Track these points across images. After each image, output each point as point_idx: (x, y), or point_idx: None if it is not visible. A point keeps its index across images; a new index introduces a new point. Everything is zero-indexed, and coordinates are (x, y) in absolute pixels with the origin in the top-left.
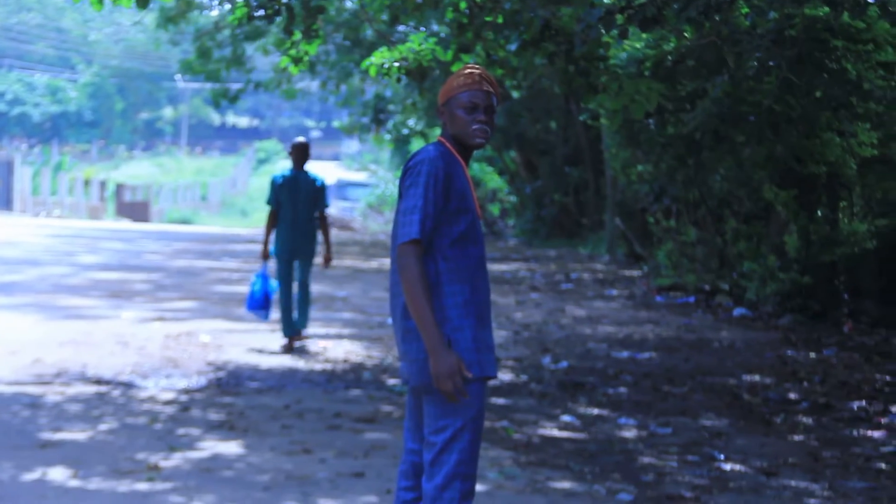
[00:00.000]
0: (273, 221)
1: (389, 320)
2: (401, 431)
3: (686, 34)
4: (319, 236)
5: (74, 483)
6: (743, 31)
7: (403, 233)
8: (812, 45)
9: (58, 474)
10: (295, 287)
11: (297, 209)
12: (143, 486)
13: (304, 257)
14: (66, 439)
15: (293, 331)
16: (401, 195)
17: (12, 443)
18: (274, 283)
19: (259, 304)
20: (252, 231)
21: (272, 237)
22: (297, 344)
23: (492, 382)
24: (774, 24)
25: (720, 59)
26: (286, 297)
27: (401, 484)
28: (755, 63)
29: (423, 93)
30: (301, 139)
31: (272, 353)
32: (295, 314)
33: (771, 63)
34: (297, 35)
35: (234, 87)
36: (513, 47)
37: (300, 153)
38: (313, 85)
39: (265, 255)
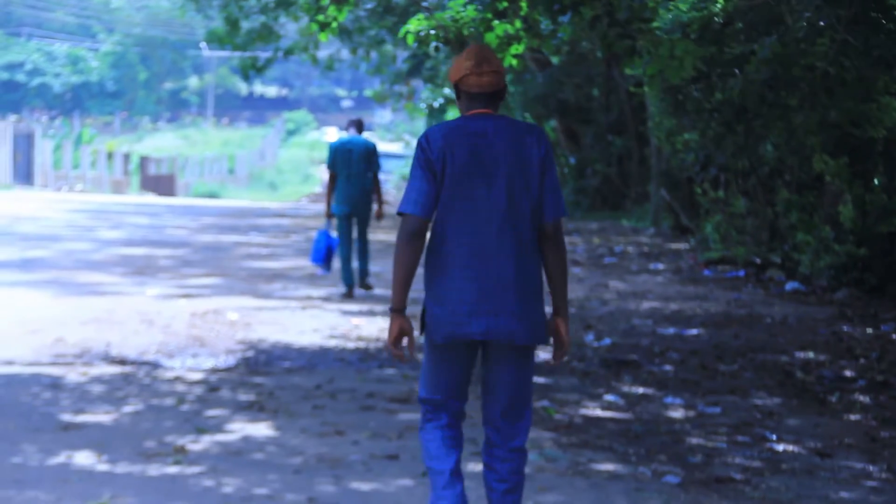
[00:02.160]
0: (333, 183)
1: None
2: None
3: None
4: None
5: (100, 467)
6: None
7: (565, 209)
8: (868, 3)
9: (82, 458)
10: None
11: (352, 170)
12: (170, 470)
13: (361, 213)
14: (90, 421)
15: (352, 279)
16: (546, 169)
17: (34, 426)
18: (335, 236)
19: (321, 257)
20: (281, 205)
21: (333, 197)
22: (361, 292)
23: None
24: None
25: (772, 19)
26: (346, 250)
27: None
28: (805, 23)
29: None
30: (357, 117)
31: (301, 331)
32: (356, 264)
33: (823, 23)
34: (325, 1)
35: (263, 56)
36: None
37: (357, 125)
38: (344, 53)
39: (328, 214)
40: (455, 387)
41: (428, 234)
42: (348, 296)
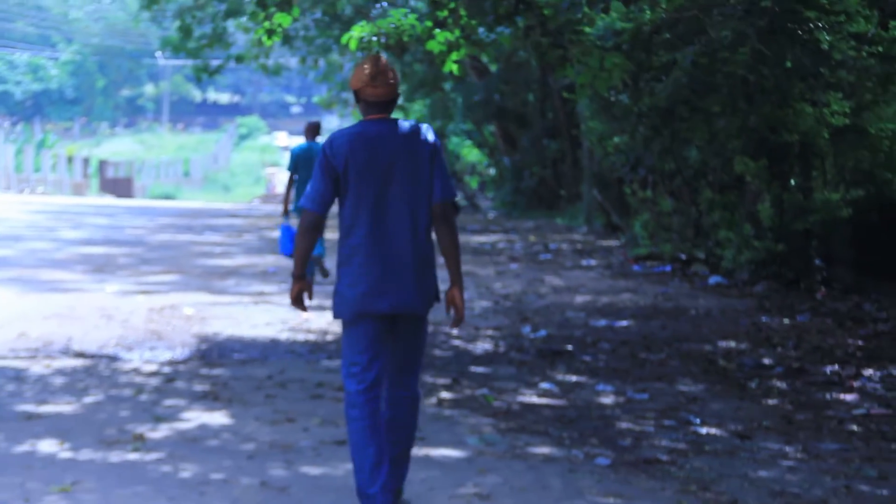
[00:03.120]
0: (291, 184)
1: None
2: None
3: (663, 5)
4: None
5: (62, 454)
6: (716, 2)
7: (453, 192)
8: (785, 15)
9: (45, 445)
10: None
11: (311, 173)
12: (130, 457)
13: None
14: (52, 412)
15: (313, 268)
16: (435, 160)
17: None
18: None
19: (290, 250)
20: (234, 206)
21: (292, 196)
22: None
23: (472, 350)
24: None
25: (696, 30)
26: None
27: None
28: (727, 33)
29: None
30: (314, 119)
31: (254, 325)
32: (316, 251)
33: (742, 33)
34: (271, 7)
35: (215, 62)
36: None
37: (313, 129)
38: (293, 61)
39: (286, 212)
40: (368, 353)
41: (328, 224)
42: (323, 271)
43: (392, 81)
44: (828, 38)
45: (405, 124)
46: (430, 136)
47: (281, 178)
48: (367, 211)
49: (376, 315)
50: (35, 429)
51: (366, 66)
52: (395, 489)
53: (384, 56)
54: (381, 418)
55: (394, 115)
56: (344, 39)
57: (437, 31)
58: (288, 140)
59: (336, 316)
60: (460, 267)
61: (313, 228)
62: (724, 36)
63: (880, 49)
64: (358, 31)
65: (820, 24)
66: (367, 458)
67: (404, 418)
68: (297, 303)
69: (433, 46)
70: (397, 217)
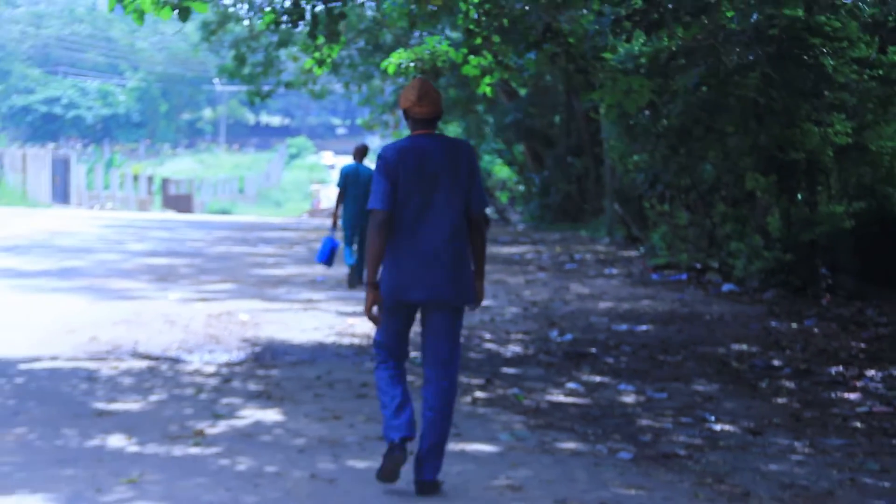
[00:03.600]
0: (341, 199)
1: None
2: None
3: (679, 33)
4: None
5: (130, 448)
6: (727, 30)
7: (486, 204)
8: (792, 42)
9: (114, 440)
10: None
11: (358, 191)
12: (191, 451)
13: (363, 225)
14: (121, 409)
15: (355, 268)
16: (473, 174)
17: (72, 412)
18: (338, 241)
19: (325, 257)
20: (285, 220)
21: (340, 211)
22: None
23: (504, 353)
24: (756, 24)
25: (711, 56)
26: (350, 255)
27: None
28: (736, 59)
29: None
30: (362, 143)
31: (304, 329)
32: (353, 260)
33: (751, 58)
34: (321, 39)
35: (267, 88)
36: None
37: (360, 152)
38: (338, 86)
39: (335, 224)
40: (397, 340)
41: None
42: (351, 281)
43: (436, 101)
44: (832, 62)
45: (448, 140)
46: (469, 152)
47: (326, 194)
48: (413, 213)
49: (411, 303)
50: (105, 425)
51: (413, 88)
52: (433, 480)
53: (428, 80)
54: (425, 413)
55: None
56: (383, 65)
57: (472, 57)
58: (334, 159)
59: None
60: (484, 265)
61: (384, 225)
62: (733, 60)
63: (880, 72)
64: (396, 58)
65: (824, 50)
66: (395, 400)
67: (444, 408)
68: (370, 313)
69: (468, 71)
70: (437, 220)
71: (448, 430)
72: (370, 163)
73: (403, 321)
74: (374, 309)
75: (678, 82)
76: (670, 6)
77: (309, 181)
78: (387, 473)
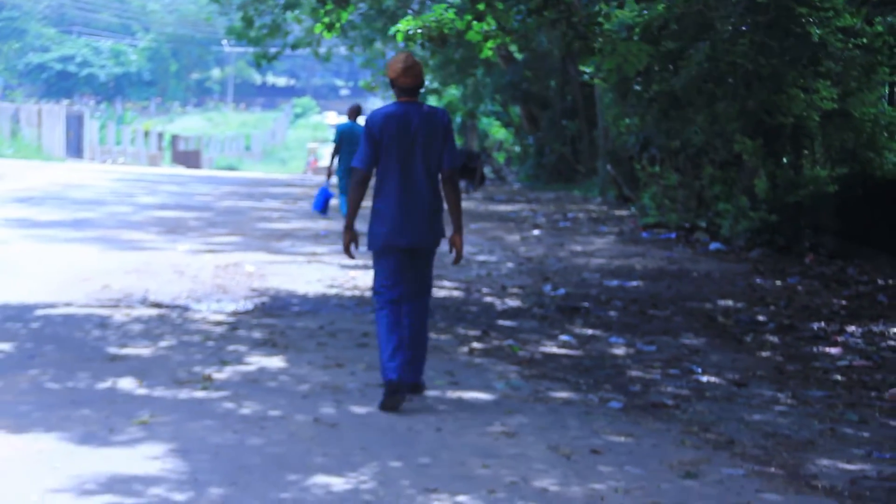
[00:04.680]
0: (336, 153)
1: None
2: None
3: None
4: None
5: (140, 391)
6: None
7: (458, 161)
8: (780, 11)
9: (126, 384)
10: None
11: (353, 147)
12: (199, 394)
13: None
14: (132, 354)
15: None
16: (447, 136)
17: (86, 356)
18: (332, 192)
19: (321, 206)
20: (290, 176)
21: (335, 164)
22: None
23: (500, 306)
24: None
25: (703, 23)
26: (344, 205)
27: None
28: (730, 28)
29: (434, 54)
30: (356, 104)
31: (307, 281)
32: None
33: (744, 27)
34: (330, 5)
35: (273, 50)
36: (520, 17)
37: (354, 111)
38: (342, 48)
39: (329, 176)
40: (393, 278)
41: (372, 181)
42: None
43: (418, 73)
44: (818, 31)
45: (427, 107)
46: (444, 118)
47: (323, 153)
48: (395, 171)
49: (398, 248)
50: (117, 369)
51: (399, 61)
52: (417, 382)
53: (412, 54)
54: (404, 331)
55: (426, 101)
56: (391, 31)
57: (475, 23)
58: (337, 119)
59: (369, 248)
60: (461, 218)
61: (363, 182)
62: (727, 30)
63: (864, 41)
64: (404, 25)
65: (811, 19)
66: (391, 344)
67: (420, 326)
68: (348, 250)
69: (472, 37)
70: (416, 177)
71: (426, 342)
72: (363, 121)
73: (394, 261)
74: (352, 247)
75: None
76: None
77: (313, 139)
78: (387, 407)
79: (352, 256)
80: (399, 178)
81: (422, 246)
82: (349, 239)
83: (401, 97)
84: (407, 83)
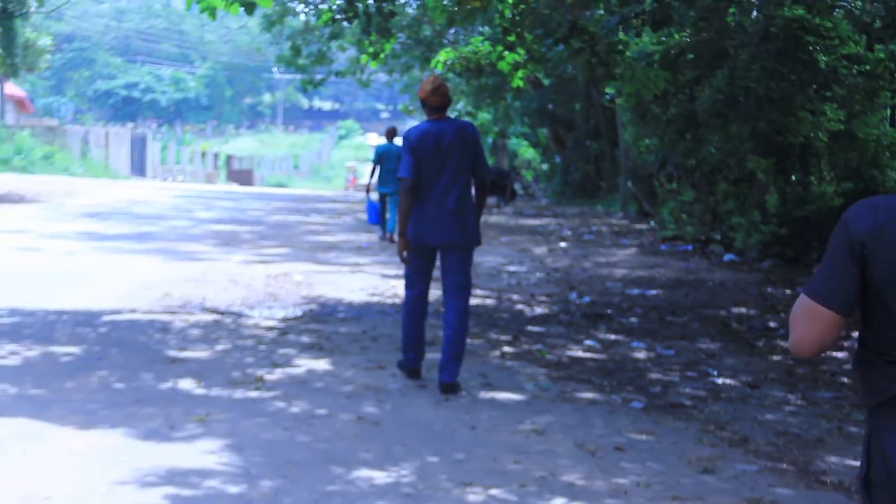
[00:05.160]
0: (373, 172)
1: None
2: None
3: (687, 32)
4: None
5: (198, 391)
6: (735, 29)
7: (488, 172)
8: (790, 40)
9: (185, 384)
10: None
11: (389, 165)
12: (252, 394)
13: (393, 194)
14: (191, 357)
15: (388, 229)
16: (476, 148)
17: (149, 359)
18: (377, 204)
19: (376, 220)
20: (335, 193)
21: (374, 181)
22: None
23: (529, 313)
24: (761, 24)
25: (718, 52)
26: (383, 214)
27: (417, 315)
28: (745, 57)
29: (469, 82)
30: (391, 126)
31: (351, 290)
32: (390, 224)
33: (757, 55)
34: (374, 36)
35: (318, 76)
36: (547, 46)
37: (391, 133)
38: (382, 75)
39: (369, 190)
40: (421, 273)
41: None
42: (390, 240)
43: (445, 93)
44: (825, 58)
45: (458, 122)
46: (474, 133)
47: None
48: (431, 180)
49: (428, 247)
50: (177, 370)
51: (428, 83)
52: (453, 381)
53: (439, 77)
54: (447, 330)
55: (458, 118)
56: (433, 63)
57: (507, 53)
58: (377, 140)
59: (409, 246)
60: (481, 214)
61: (412, 189)
62: (742, 58)
63: (867, 68)
64: (444, 56)
65: (818, 48)
66: (410, 335)
67: (460, 324)
68: (401, 255)
69: (503, 67)
70: (450, 185)
71: (464, 343)
72: (399, 141)
73: (425, 260)
74: (405, 253)
75: (687, 76)
76: (677, 4)
77: (356, 159)
78: (407, 375)
79: (405, 261)
80: (433, 187)
81: (454, 244)
82: (403, 246)
83: (432, 115)
84: (436, 102)
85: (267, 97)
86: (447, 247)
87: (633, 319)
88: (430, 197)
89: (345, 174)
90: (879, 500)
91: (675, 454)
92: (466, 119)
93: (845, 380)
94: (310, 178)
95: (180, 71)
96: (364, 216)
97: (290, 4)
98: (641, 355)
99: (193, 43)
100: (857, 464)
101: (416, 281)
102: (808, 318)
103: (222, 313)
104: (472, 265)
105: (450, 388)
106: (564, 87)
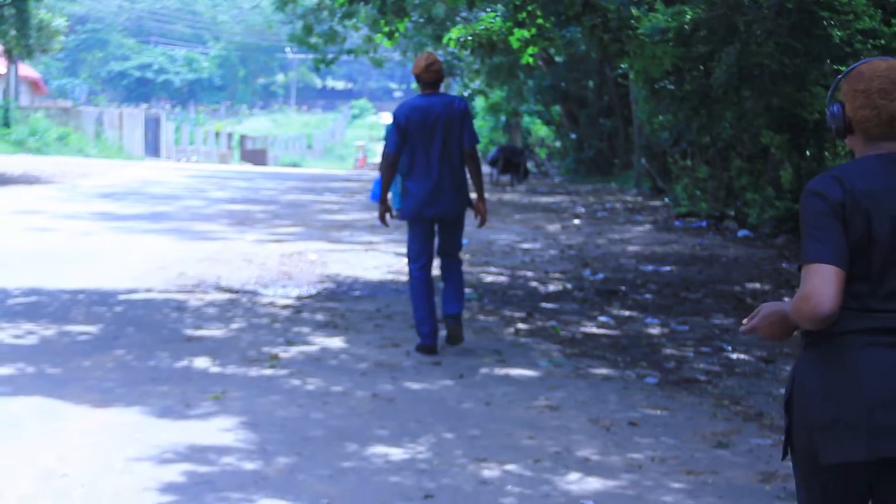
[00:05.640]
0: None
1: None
2: (470, 331)
3: (701, 7)
4: None
5: (213, 369)
6: (749, 4)
7: (476, 139)
8: (804, 15)
9: (200, 362)
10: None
11: None
12: (267, 372)
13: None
14: (206, 335)
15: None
16: (464, 120)
17: (164, 337)
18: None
19: (377, 197)
20: (348, 172)
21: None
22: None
23: (543, 290)
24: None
25: (730, 27)
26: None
27: (425, 285)
28: (758, 31)
29: (484, 61)
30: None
31: (365, 268)
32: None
33: (772, 30)
34: (390, 15)
35: (330, 55)
36: (560, 24)
37: None
38: (395, 54)
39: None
40: (423, 244)
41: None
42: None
43: (438, 70)
44: (839, 33)
45: (447, 97)
46: (462, 105)
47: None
48: (422, 154)
49: (426, 219)
50: (193, 349)
51: (423, 59)
52: (458, 313)
53: (433, 54)
54: (447, 277)
55: (453, 94)
56: (444, 40)
57: (516, 29)
58: (390, 119)
59: (402, 218)
60: (483, 186)
61: (393, 164)
62: (756, 33)
63: (882, 42)
64: (456, 33)
65: (833, 22)
66: (422, 309)
67: (455, 275)
68: (383, 219)
69: (514, 43)
70: (440, 157)
71: (462, 295)
72: None
73: (425, 230)
74: (387, 217)
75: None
76: None
77: (369, 138)
78: (424, 353)
79: (386, 224)
80: (425, 159)
81: (448, 214)
82: (384, 209)
83: (425, 90)
84: (429, 78)
85: (280, 77)
86: (443, 217)
87: (647, 295)
88: (424, 169)
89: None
90: (796, 417)
91: (690, 429)
92: (479, 98)
93: None
94: (323, 157)
95: (193, 52)
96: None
97: None
98: (655, 331)
99: (206, 23)
100: None
101: (419, 253)
102: (821, 280)
103: (237, 292)
104: (487, 242)
105: (456, 319)
106: (577, 64)
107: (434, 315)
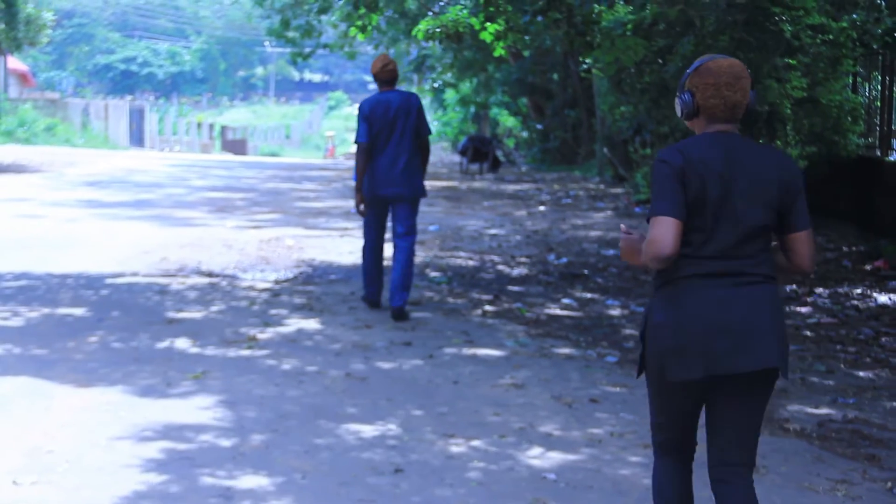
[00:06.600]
0: None
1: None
2: (439, 313)
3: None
4: None
5: (193, 350)
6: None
7: (429, 131)
8: (756, 11)
9: (181, 343)
10: None
11: None
12: (245, 353)
13: None
14: (187, 318)
15: None
16: (419, 113)
17: (147, 320)
18: None
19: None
20: (324, 162)
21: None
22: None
23: (509, 273)
24: None
25: (686, 21)
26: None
27: (374, 256)
28: (711, 24)
29: (456, 55)
30: None
31: (340, 253)
32: None
33: (725, 23)
34: (362, 9)
35: (307, 49)
36: (526, 18)
37: None
38: (369, 48)
39: None
40: (377, 221)
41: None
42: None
43: (393, 69)
44: (790, 28)
45: (404, 93)
46: (416, 101)
47: (346, 138)
48: (381, 143)
49: (382, 199)
50: (174, 330)
51: (380, 60)
52: (401, 307)
53: (388, 55)
54: (396, 266)
55: (404, 90)
56: (414, 32)
57: (488, 24)
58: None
59: (365, 199)
60: (426, 169)
61: (368, 152)
62: (711, 24)
63: (831, 37)
64: (424, 25)
65: (784, 18)
66: (369, 273)
67: (408, 262)
68: (358, 207)
69: (486, 36)
70: (397, 146)
71: (411, 277)
72: None
73: (378, 211)
74: (361, 206)
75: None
76: None
77: (345, 129)
78: (368, 305)
79: (362, 213)
80: (384, 148)
81: (402, 196)
82: (360, 199)
83: (382, 87)
84: (386, 76)
85: (259, 70)
86: (397, 198)
87: (609, 279)
88: (382, 155)
89: (337, 143)
90: (648, 345)
91: (647, 405)
92: (449, 91)
93: (808, 333)
94: (301, 147)
95: (176, 45)
96: (352, 183)
97: None
98: (616, 312)
99: (188, 18)
100: (818, 411)
101: (372, 230)
102: (664, 229)
103: (217, 276)
104: (456, 228)
105: (399, 312)
106: (543, 58)
107: (380, 277)
